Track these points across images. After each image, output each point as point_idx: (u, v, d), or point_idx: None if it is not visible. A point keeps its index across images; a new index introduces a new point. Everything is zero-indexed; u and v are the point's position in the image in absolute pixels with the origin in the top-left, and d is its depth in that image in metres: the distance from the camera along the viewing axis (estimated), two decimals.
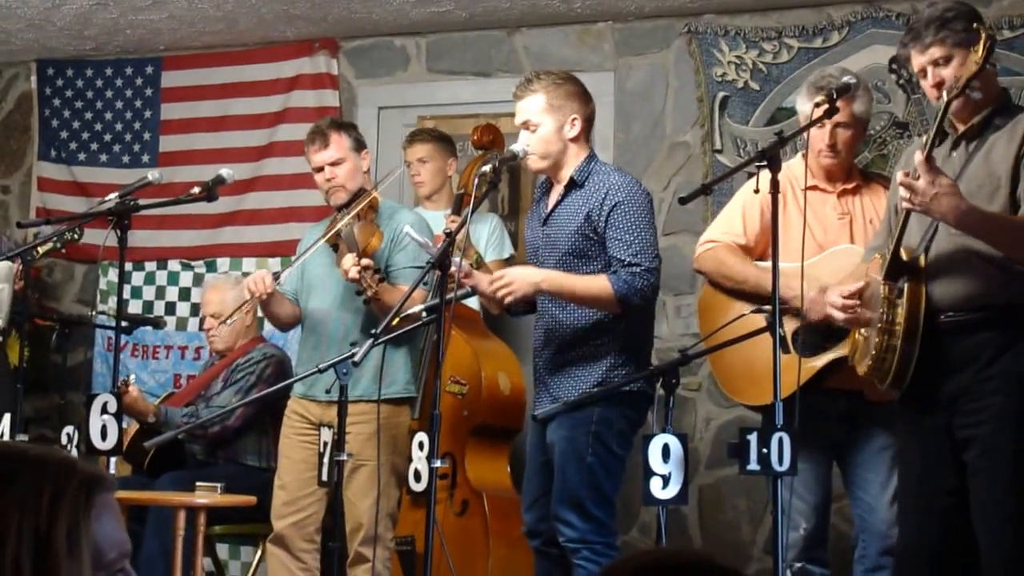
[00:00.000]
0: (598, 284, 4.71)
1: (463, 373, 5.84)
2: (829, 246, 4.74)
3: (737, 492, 6.46)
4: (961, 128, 4.13)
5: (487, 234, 6.26)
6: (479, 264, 5.96)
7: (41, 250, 6.26)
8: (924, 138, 4.04)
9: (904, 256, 4.05)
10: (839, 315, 4.28)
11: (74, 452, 4.85)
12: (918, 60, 4.11)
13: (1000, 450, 3.95)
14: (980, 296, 4.00)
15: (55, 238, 6.31)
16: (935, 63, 4.05)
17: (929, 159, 3.89)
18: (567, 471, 4.75)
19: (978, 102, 4.06)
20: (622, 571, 1.70)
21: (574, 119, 4.86)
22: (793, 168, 4.77)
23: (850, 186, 4.91)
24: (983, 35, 3.91)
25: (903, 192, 3.90)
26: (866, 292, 4.22)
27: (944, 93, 3.99)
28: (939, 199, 3.87)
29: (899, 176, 3.95)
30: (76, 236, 6.55)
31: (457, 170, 6.51)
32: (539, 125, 4.85)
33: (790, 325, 4.56)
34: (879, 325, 4.05)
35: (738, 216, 4.96)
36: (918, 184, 3.85)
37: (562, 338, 4.84)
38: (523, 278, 4.78)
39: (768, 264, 4.77)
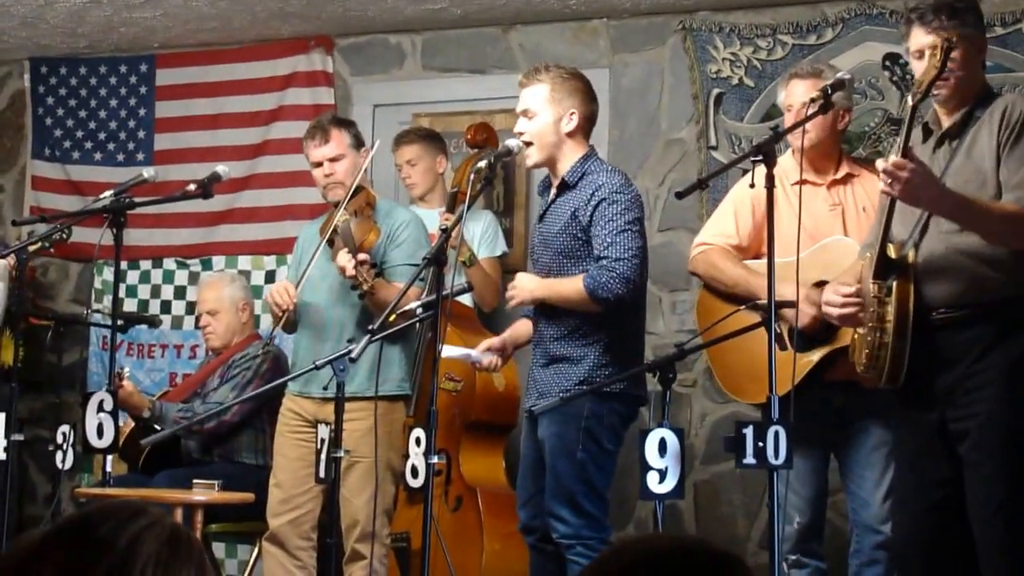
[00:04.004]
0: (575, 285, 4.75)
1: (457, 370, 5.84)
2: (820, 238, 4.77)
3: (733, 487, 6.47)
4: (945, 124, 4.15)
5: (481, 231, 6.25)
6: (471, 262, 5.96)
7: (31, 249, 6.24)
8: (898, 139, 4.05)
9: (892, 253, 4.07)
10: (835, 312, 4.28)
11: (70, 451, 4.84)
12: (918, 41, 4.11)
13: (991, 440, 3.98)
14: (972, 293, 4.02)
15: (44, 238, 6.29)
16: (935, 48, 4.05)
17: (907, 153, 3.92)
18: (558, 467, 4.77)
19: (960, 99, 4.09)
20: (617, 564, 1.69)
21: (572, 113, 4.88)
22: (783, 164, 4.78)
23: (839, 176, 4.95)
24: (939, 40, 3.92)
25: (883, 178, 3.93)
26: (861, 290, 4.23)
27: (910, 97, 4.02)
28: (918, 188, 3.91)
29: (879, 163, 3.98)
30: (65, 236, 6.51)
31: (451, 168, 6.50)
32: (537, 114, 4.88)
33: (786, 321, 4.56)
34: (871, 323, 4.08)
35: (730, 216, 5.01)
36: (900, 173, 3.87)
37: (550, 336, 4.88)
38: (522, 287, 4.90)
39: (758, 263, 4.82)
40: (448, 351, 5.03)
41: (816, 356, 4.66)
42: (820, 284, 4.63)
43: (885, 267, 4.06)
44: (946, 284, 4.03)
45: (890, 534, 4.61)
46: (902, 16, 6.13)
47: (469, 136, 6.34)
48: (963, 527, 4.03)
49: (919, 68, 4.12)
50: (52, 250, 6.55)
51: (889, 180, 3.91)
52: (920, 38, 4.12)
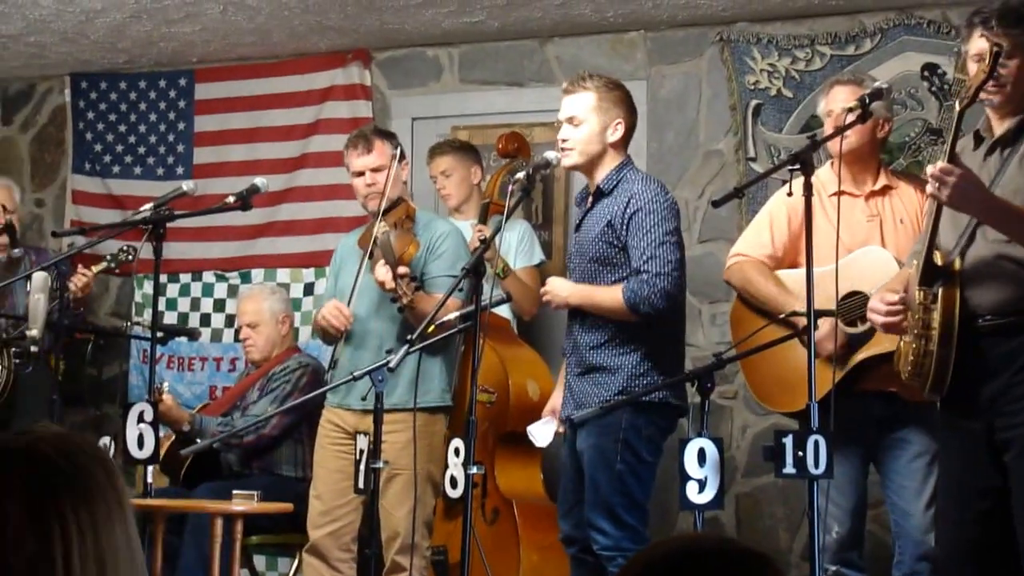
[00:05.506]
0: (613, 295, 4.75)
1: (491, 381, 5.83)
2: (857, 249, 4.75)
3: (774, 500, 6.44)
4: (997, 132, 4.12)
5: (516, 241, 6.25)
6: (506, 273, 5.96)
7: (95, 269, 6.26)
8: (946, 144, 4.03)
9: (938, 260, 4.04)
10: (880, 320, 4.25)
11: None
12: (978, 45, 4.07)
13: None
14: (1018, 300, 3.99)
15: (109, 257, 6.29)
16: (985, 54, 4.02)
17: (953, 158, 3.90)
18: (598, 479, 4.77)
19: (1013, 106, 4.06)
20: (638, 563, 1.69)
21: (618, 124, 4.89)
22: (820, 175, 4.77)
23: (877, 188, 4.93)
24: (989, 44, 3.90)
25: (931, 182, 3.91)
26: (907, 298, 4.21)
27: (957, 102, 3.99)
28: (965, 193, 3.89)
29: (928, 168, 3.97)
30: (130, 257, 6.53)
31: (484, 177, 6.50)
32: (584, 122, 4.88)
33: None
34: (916, 331, 4.05)
35: (765, 227, 5.01)
36: (947, 178, 3.86)
37: (586, 345, 4.88)
38: (556, 292, 4.90)
39: (793, 273, 4.80)
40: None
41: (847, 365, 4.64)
42: (851, 295, 4.61)
43: (931, 274, 4.04)
44: (992, 291, 4.00)
45: (933, 545, 4.58)
46: (937, 25, 6.15)
47: (500, 146, 6.34)
48: (1009, 536, 3.99)
49: (976, 69, 4.09)
50: (118, 271, 6.57)
51: (937, 184, 3.89)
52: (981, 43, 4.08)
